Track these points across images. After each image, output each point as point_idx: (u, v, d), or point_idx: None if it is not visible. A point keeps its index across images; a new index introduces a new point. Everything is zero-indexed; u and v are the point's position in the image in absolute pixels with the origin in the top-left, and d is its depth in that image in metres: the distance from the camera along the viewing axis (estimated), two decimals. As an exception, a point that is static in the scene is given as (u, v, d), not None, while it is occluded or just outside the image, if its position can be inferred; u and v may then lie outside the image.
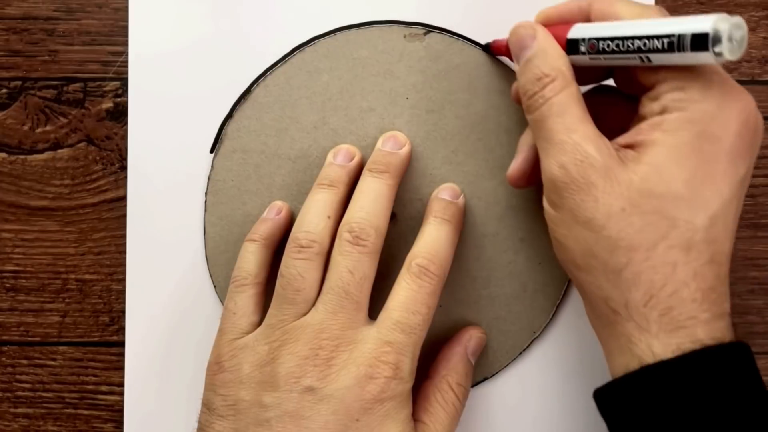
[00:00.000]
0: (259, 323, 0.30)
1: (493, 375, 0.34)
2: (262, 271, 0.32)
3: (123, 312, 0.35)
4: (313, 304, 0.29)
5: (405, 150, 0.33)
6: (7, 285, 0.35)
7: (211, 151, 0.35)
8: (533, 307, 0.34)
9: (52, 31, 0.35)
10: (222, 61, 0.35)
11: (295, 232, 0.31)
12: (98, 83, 0.35)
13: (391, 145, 0.33)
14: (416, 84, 0.34)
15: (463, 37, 0.34)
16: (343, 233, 0.30)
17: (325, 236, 0.30)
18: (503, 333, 0.34)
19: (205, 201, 0.35)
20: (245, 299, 0.31)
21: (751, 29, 0.35)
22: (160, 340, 0.35)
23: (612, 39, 0.26)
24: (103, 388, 0.35)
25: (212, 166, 0.35)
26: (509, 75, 0.34)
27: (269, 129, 0.34)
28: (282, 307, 0.29)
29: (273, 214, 0.33)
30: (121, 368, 0.35)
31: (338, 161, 0.33)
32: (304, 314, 0.29)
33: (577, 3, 0.29)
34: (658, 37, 0.25)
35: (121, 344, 0.35)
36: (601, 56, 0.27)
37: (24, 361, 0.35)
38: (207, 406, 0.29)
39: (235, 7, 0.35)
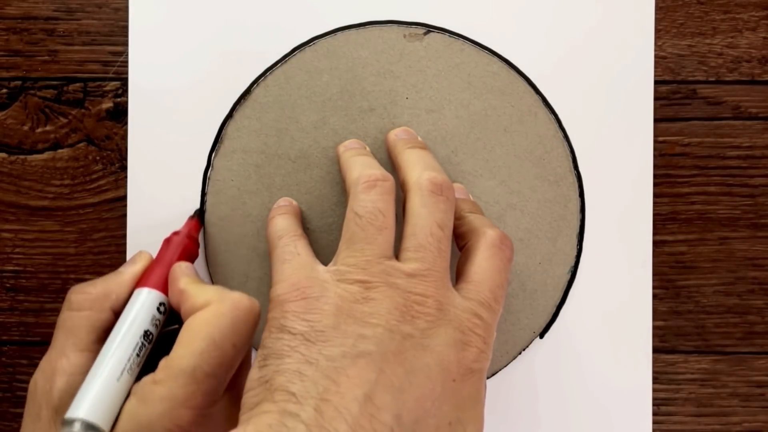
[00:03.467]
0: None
1: (494, 375, 0.34)
2: (303, 232, 0.30)
3: (123, 312, 0.35)
4: (393, 251, 0.27)
5: (419, 139, 0.33)
6: (7, 285, 0.35)
7: (211, 151, 0.35)
8: (533, 307, 0.34)
9: (52, 31, 0.35)
10: (222, 61, 0.35)
11: (361, 173, 0.29)
12: (98, 83, 0.35)
13: (407, 135, 0.33)
14: (416, 84, 0.34)
15: (463, 37, 0.34)
16: (423, 184, 0.28)
17: (393, 179, 0.29)
18: (503, 333, 0.34)
19: (205, 201, 0.35)
20: (304, 245, 0.29)
21: (751, 29, 0.35)
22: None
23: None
24: (103, 388, 0.35)
25: (212, 166, 0.35)
26: (509, 75, 0.34)
27: (269, 129, 0.34)
28: (364, 249, 0.27)
29: (285, 203, 0.33)
30: (121, 368, 0.35)
31: (354, 145, 0.33)
32: (389, 259, 0.27)
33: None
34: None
35: (121, 344, 0.35)
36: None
37: (24, 361, 0.35)
38: (287, 331, 0.26)
39: (235, 7, 0.35)
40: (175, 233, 0.32)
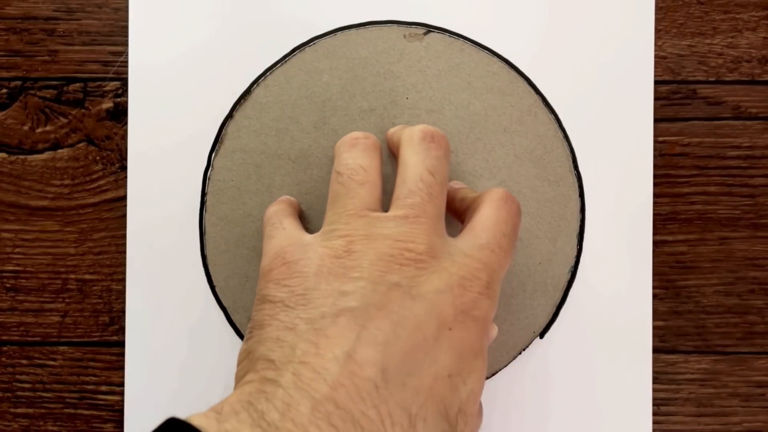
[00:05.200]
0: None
1: (494, 375, 0.34)
2: (294, 211, 0.30)
3: (123, 312, 0.35)
4: (380, 207, 0.27)
5: None
6: (7, 285, 0.35)
7: (211, 151, 0.35)
8: (533, 307, 0.34)
9: (52, 31, 0.35)
10: (222, 61, 0.35)
11: (342, 139, 0.28)
12: (98, 83, 0.35)
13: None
14: (416, 84, 0.34)
15: (463, 37, 0.34)
16: (414, 134, 0.27)
17: (377, 139, 0.28)
18: (503, 333, 0.34)
19: (205, 201, 0.35)
20: (291, 221, 0.29)
21: (751, 29, 0.35)
22: (160, 340, 0.35)
23: None
24: (103, 388, 0.35)
25: (212, 166, 0.35)
26: (509, 75, 0.34)
27: (269, 129, 0.34)
28: (346, 204, 0.26)
29: (283, 199, 0.33)
30: (121, 368, 0.35)
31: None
32: (374, 211, 0.26)
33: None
34: None
35: (121, 344, 0.35)
36: None
37: (24, 361, 0.35)
38: (268, 300, 0.25)
39: (235, 7, 0.35)
40: None
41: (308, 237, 0.27)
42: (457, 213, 0.31)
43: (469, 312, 0.24)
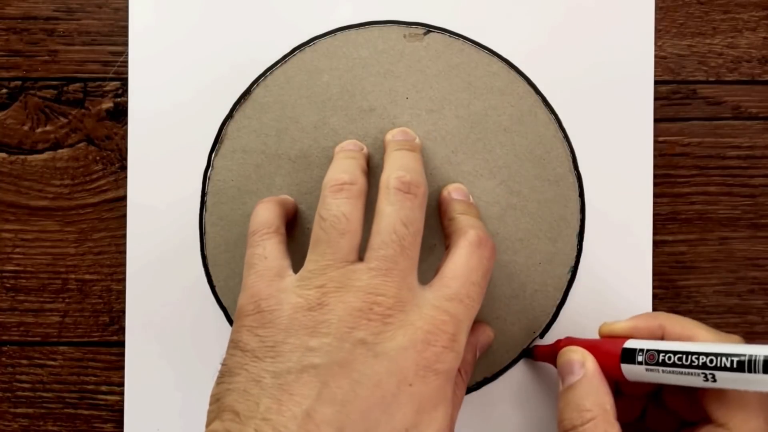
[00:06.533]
0: (294, 271, 0.28)
1: (493, 375, 0.34)
2: (281, 225, 0.30)
3: (123, 312, 0.35)
4: (358, 255, 0.27)
5: (418, 140, 0.33)
6: (7, 285, 0.35)
7: (211, 151, 0.35)
8: (533, 307, 0.34)
9: (52, 31, 0.35)
10: (222, 61, 0.35)
11: (330, 177, 0.29)
12: (98, 83, 0.35)
13: (403, 136, 0.33)
14: (416, 84, 0.34)
15: (463, 37, 0.34)
16: (390, 183, 0.28)
17: (363, 182, 0.28)
18: (503, 333, 0.34)
19: (205, 201, 0.35)
20: (273, 245, 0.29)
21: (751, 29, 0.35)
22: (160, 340, 0.35)
23: (675, 352, 0.25)
24: (103, 388, 0.35)
25: (212, 166, 0.35)
26: (509, 75, 0.34)
27: (269, 129, 0.34)
28: (325, 253, 0.27)
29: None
30: (121, 368, 0.35)
31: (349, 147, 0.33)
32: (351, 263, 0.27)
33: (646, 323, 0.29)
34: (727, 355, 0.24)
35: (121, 344, 0.35)
36: (660, 368, 0.26)
37: (24, 361, 0.35)
38: (239, 347, 0.26)
39: (234, 7, 0.35)
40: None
41: (286, 279, 0.27)
42: (444, 231, 0.31)
43: (431, 366, 0.25)
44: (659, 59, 0.35)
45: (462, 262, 0.27)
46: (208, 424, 0.25)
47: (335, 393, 0.24)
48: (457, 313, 0.26)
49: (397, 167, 0.29)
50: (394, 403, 0.24)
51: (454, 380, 0.27)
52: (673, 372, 0.25)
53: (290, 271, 0.28)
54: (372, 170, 0.33)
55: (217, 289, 0.35)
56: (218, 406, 0.25)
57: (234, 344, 0.27)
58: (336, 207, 0.27)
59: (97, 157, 0.35)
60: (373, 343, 0.25)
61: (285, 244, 0.29)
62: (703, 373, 0.24)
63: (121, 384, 0.35)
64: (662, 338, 0.28)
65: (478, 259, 0.28)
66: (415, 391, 0.25)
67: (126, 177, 0.35)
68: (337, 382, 0.24)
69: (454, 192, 0.33)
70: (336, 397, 0.24)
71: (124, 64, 0.35)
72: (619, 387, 0.31)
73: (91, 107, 0.35)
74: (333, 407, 0.24)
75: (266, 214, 0.30)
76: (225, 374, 0.26)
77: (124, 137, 0.35)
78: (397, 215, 0.27)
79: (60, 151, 0.35)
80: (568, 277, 0.34)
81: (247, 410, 0.24)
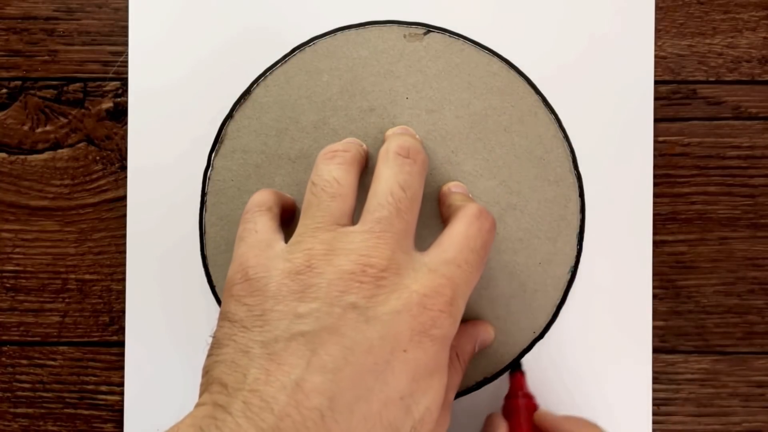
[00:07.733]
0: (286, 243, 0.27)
1: (493, 375, 0.34)
2: (275, 207, 0.29)
3: (123, 312, 0.35)
4: (351, 222, 0.26)
5: (418, 137, 0.33)
6: (7, 285, 0.35)
7: (211, 151, 0.35)
8: (533, 307, 0.34)
9: (52, 31, 0.35)
10: (222, 61, 0.35)
11: (325, 148, 0.28)
12: (98, 83, 0.35)
13: (403, 131, 0.33)
14: (416, 84, 0.34)
15: (463, 37, 0.34)
16: (390, 149, 0.27)
17: (358, 151, 0.28)
18: (503, 333, 0.34)
19: (205, 201, 0.35)
20: (265, 221, 0.28)
21: (751, 29, 0.35)
22: (160, 340, 0.35)
23: None
24: (103, 388, 0.35)
25: (212, 166, 0.35)
26: (509, 75, 0.34)
27: (269, 129, 0.34)
28: (315, 216, 0.26)
29: None
30: (121, 368, 0.35)
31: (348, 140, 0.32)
32: (343, 226, 0.26)
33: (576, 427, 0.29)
34: None
35: (121, 344, 0.35)
36: None
37: (24, 361, 0.35)
38: (227, 318, 0.25)
39: (235, 7, 0.35)
40: (509, 398, 0.32)
41: (276, 248, 0.26)
42: (443, 219, 0.31)
43: (427, 331, 0.24)
44: (659, 59, 0.35)
45: (461, 230, 0.27)
46: (199, 395, 0.24)
47: (325, 361, 0.23)
48: (454, 276, 0.25)
49: (397, 139, 0.29)
50: (387, 369, 0.23)
51: (450, 365, 0.26)
52: None
53: (282, 243, 0.27)
54: (371, 170, 0.33)
55: (217, 289, 0.35)
56: (207, 379, 0.24)
57: (223, 315, 0.26)
58: (327, 172, 0.27)
59: (97, 157, 0.35)
60: (364, 307, 0.23)
61: (278, 222, 0.29)
62: None
63: (121, 384, 0.35)
64: None
65: (477, 230, 0.27)
66: (410, 358, 0.23)
67: (126, 177, 0.35)
68: (326, 349, 0.23)
69: (453, 187, 0.33)
70: (326, 365, 0.23)
71: (124, 64, 0.35)
72: None
73: (91, 107, 0.35)
74: (323, 375, 0.22)
75: (261, 196, 0.30)
76: (214, 346, 0.25)
77: (124, 137, 0.35)
78: (395, 179, 0.26)
79: (60, 151, 0.35)
80: (568, 277, 0.34)
81: (235, 382, 0.23)
